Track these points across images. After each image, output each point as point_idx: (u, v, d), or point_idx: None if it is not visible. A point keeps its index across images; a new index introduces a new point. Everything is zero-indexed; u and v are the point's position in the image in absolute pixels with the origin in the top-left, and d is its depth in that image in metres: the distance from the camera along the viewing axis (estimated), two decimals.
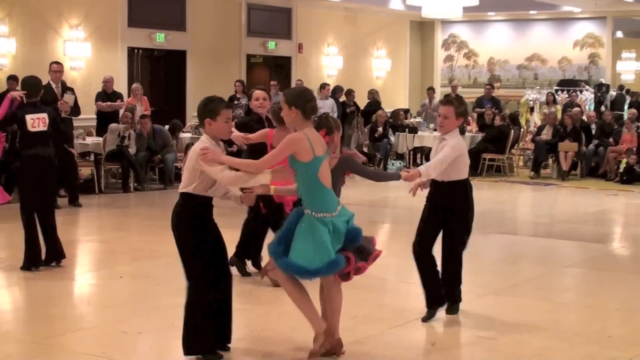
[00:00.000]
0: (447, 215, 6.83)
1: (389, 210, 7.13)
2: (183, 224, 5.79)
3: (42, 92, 9.40)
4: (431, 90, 22.62)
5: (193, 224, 5.76)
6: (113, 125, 15.30)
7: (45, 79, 15.97)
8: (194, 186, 5.71)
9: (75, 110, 13.75)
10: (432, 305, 6.93)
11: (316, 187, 5.55)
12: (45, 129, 8.97)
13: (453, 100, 7.11)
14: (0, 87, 15.76)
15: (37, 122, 8.93)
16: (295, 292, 5.67)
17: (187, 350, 5.79)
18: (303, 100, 5.57)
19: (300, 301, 5.67)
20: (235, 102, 17.74)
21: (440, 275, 6.94)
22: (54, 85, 13.71)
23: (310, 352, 5.71)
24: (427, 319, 6.87)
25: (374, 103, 21.38)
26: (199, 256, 5.75)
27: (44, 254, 8.87)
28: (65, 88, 13.73)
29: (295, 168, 5.58)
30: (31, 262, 8.77)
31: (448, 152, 6.71)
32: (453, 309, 7.04)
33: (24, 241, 8.82)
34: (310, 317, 5.70)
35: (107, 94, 16.12)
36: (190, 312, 5.79)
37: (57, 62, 14.31)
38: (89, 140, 15.61)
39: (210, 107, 5.79)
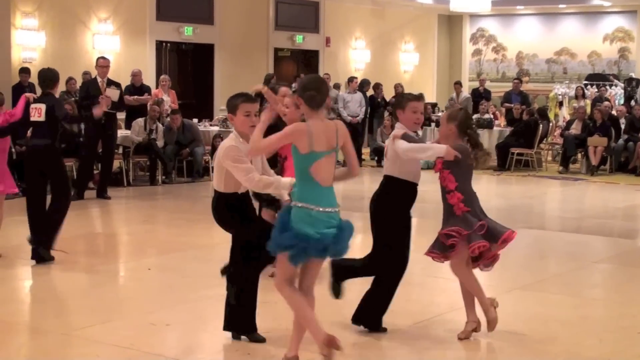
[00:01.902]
0: None
1: (415, 204, 7.12)
2: (224, 216, 5.91)
3: (56, 83, 9.31)
4: (458, 84, 22.54)
5: (231, 215, 5.88)
6: (137, 122, 15.41)
7: (72, 72, 16.24)
8: (225, 185, 5.78)
9: (119, 105, 13.78)
10: None
11: (306, 181, 5.32)
12: (41, 119, 8.86)
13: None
14: (31, 80, 15.90)
15: (34, 112, 8.89)
16: (291, 296, 5.47)
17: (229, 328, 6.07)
18: (303, 89, 5.40)
19: (298, 306, 5.47)
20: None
21: None
22: (99, 80, 13.78)
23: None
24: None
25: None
26: (251, 232, 5.85)
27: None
28: (110, 83, 13.78)
29: (293, 157, 5.41)
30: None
31: None
32: None
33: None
34: (310, 323, 5.46)
35: (135, 87, 16.18)
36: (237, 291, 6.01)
37: (104, 57, 14.35)
38: (118, 133, 15.69)
39: (230, 103, 5.90)
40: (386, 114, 20.29)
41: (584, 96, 21.37)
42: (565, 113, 22.41)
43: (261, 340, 6.04)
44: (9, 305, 7.27)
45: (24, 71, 15.79)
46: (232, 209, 5.88)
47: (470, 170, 6.38)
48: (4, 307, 7.15)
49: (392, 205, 6.16)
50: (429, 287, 7.76)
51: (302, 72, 22.07)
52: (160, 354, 5.90)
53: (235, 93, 5.98)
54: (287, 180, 5.61)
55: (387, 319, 6.66)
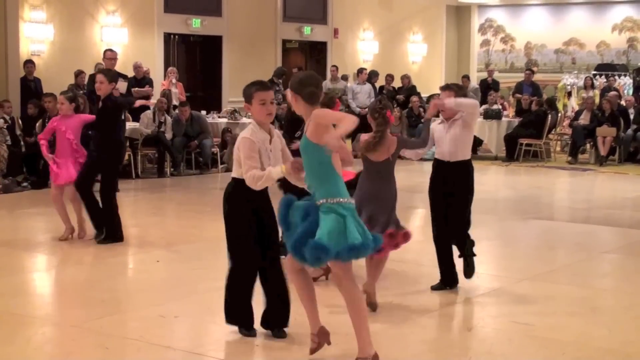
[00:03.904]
0: (449, 198, 7.22)
1: (425, 196, 7.16)
2: (234, 207, 5.84)
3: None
4: (466, 78, 22.44)
5: (243, 210, 5.82)
6: (145, 114, 15.44)
7: (80, 64, 16.25)
8: (242, 173, 5.75)
9: (128, 96, 13.80)
10: (445, 283, 7.36)
11: (330, 173, 5.27)
12: None
13: (452, 85, 7.47)
14: (39, 73, 15.94)
15: None
16: (300, 287, 5.51)
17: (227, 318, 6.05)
18: (302, 86, 5.33)
19: (303, 297, 5.53)
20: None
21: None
22: None
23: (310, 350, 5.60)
24: (435, 289, 7.32)
25: (409, 88, 21.30)
26: (244, 238, 5.82)
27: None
28: (118, 75, 13.79)
29: (309, 153, 5.27)
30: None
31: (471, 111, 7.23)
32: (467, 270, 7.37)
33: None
34: (308, 315, 5.55)
35: (137, 80, 16.19)
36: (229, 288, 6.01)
37: (111, 50, 14.40)
38: (126, 125, 15.71)
39: (245, 92, 5.84)
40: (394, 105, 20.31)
41: (592, 86, 21.31)
42: (574, 103, 22.35)
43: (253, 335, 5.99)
44: (19, 298, 7.29)
45: (29, 63, 15.79)
46: (245, 202, 5.80)
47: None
48: (13, 300, 7.17)
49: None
50: (437, 277, 7.73)
51: (309, 64, 22.06)
52: (169, 346, 5.91)
53: (251, 82, 5.91)
54: (277, 169, 5.57)
55: (398, 308, 6.67)
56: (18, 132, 14.78)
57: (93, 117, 9.73)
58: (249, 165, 5.64)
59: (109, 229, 9.37)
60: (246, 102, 5.85)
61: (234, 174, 5.85)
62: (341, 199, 5.23)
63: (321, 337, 5.54)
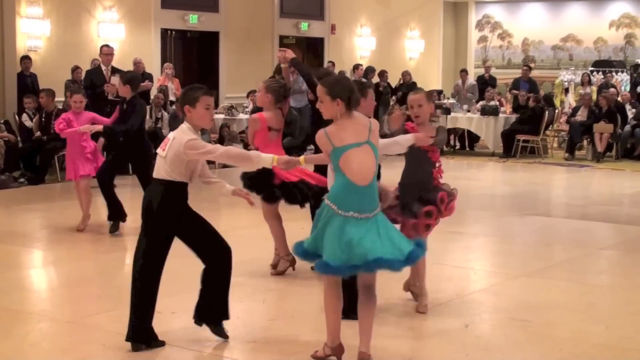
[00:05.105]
0: None
1: None
2: (160, 213, 5.72)
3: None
4: (464, 72, 22.45)
5: (169, 214, 5.73)
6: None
7: (77, 60, 16.23)
8: (176, 174, 5.66)
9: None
10: None
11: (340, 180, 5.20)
12: None
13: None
14: (35, 68, 15.91)
15: None
16: (329, 299, 5.36)
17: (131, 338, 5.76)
18: (346, 91, 5.21)
19: (328, 310, 5.38)
20: None
21: None
22: (104, 68, 13.80)
23: (315, 354, 5.54)
24: None
25: (410, 85, 21.24)
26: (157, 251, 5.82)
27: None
28: (115, 71, 13.80)
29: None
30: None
31: None
32: None
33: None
34: (330, 329, 5.41)
35: None
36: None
37: (108, 46, 14.46)
38: None
39: (189, 95, 5.75)
40: (392, 101, 20.27)
41: (590, 83, 21.31)
42: (571, 100, 22.37)
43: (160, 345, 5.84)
44: (15, 294, 7.28)
45: (26, 59, 15.78)
46: (172, 204, 5.71)
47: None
48: (10, 295, 7.16)
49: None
50: (434, 274, 7.74)
51: (306, 60, 21.99)
52: (166, 342, 5.89)
53: (190, 85, 5.89)
54: (268, 157, 5.58)
55: (393, 307, 6.67)
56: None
57: (106, 119, 10.07)
58: (210, 146, 5.67)
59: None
60: (188, 104, 5.72)
61: (164, 176, 5.68)
62: (348, 212, 5.18)
63: (335, 352, 5.44)
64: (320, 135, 5.22)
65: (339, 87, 5.22)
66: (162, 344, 5.81)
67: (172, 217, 5.73)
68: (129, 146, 9.66)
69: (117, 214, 9.74)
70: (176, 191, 5.68)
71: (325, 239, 5.15)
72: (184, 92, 5.86)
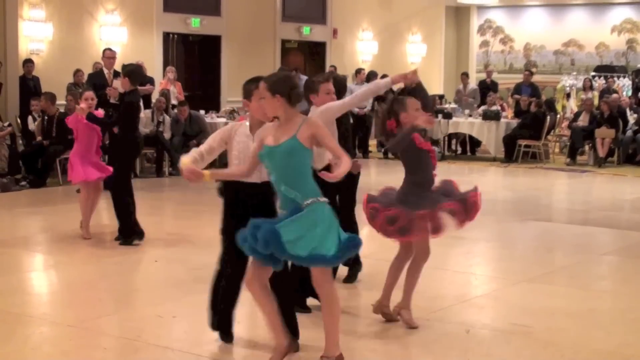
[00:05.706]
0: None
1: None
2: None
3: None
4: (465, 75, 22.47)
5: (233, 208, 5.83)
6: (144, 113, 15.41)
7: (79, 64, 16.24)
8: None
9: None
10: None
11: (309, 173, 5.21)
12: None
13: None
14: (38, 71, 15.92)
15: None
16: (263, 300, 5.35)
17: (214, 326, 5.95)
18: (287, 87, 5.20)
19: (266, 311, 5.38)
20: None
21: None
22: (106, 72, 13.83)
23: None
24: None
25: (410, 89, 21.25)
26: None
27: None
28: (117, 74, 13.81)
29: (296, 154, 5.13)
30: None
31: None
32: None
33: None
34: (273, 328, 5.41)
35: None
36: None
37: (110, 49, 14.44)
38: None
39: (245, 88, 5.74)
40: None
41: (591, 88, 21.30)
42: (572, 105, 22.36)
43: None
44: (16, 297, 7.28)
45: (28, 62, 15.81)
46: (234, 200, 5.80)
47: None
48: (10, 299, 7.16)
49: None
50: (436, 279, 7.74)
51: (308, 64, 22.03)
52: (167, 346, 5.90)
53: (251, 77, 5.79)
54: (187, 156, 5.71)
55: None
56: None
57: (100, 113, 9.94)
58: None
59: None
60: (245, 98, 5.73)
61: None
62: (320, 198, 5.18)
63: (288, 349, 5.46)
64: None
65: (279, 83, 5.20)
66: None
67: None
68: (115, 140, 9.49)
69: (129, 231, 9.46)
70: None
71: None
72: (243, 85, 5.85)
